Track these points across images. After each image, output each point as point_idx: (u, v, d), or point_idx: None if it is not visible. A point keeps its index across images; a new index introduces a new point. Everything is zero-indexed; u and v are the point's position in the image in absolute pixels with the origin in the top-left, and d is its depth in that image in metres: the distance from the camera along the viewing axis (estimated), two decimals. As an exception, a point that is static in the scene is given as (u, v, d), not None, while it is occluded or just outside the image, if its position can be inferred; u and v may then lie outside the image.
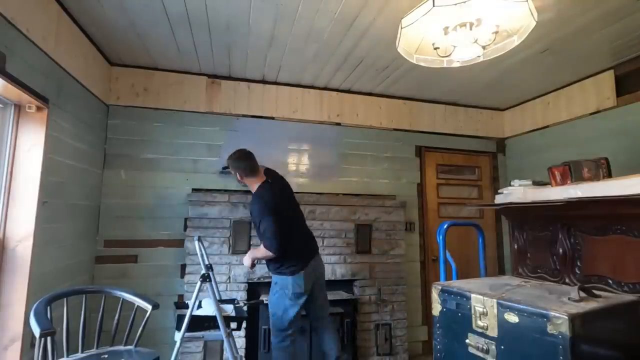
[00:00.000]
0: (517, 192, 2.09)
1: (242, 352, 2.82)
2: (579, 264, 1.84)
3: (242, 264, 2.55)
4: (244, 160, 2.44)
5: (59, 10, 2.17)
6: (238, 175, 2.46)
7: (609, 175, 1.90)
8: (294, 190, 3.32)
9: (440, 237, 2.46)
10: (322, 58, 2.89)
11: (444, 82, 3.37)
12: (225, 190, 3.15)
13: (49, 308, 1.75)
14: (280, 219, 2.29)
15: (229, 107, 3.27)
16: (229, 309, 2.24)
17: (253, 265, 2.45)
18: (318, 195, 3.35)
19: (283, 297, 2.33)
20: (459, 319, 1.61)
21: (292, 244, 2.34)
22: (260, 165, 2.51)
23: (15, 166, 2.00)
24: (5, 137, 1.98)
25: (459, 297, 1.62)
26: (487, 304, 1.48)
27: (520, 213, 2.17)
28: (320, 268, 2.52)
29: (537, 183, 2.12)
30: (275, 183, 2.51)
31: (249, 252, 2.45)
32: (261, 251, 2.31)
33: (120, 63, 3.02)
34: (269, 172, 2.56)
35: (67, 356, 1.84)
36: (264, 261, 2.50)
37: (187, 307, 2.11)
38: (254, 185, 2.45)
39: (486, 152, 4.08)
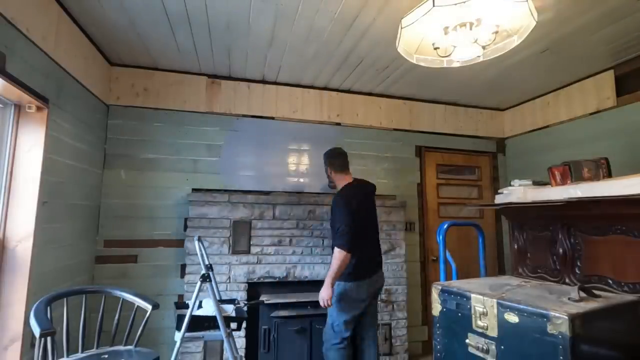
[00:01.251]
0: (517, 192, 2.09)
1: (242, 352, 2.82)
2: (579, 264, 1.84)
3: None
4: (337, 157, 2.60)
5: (59, 10, 2.17)
6: (328, 170, 2.61)
7: (609, 175, 1.90)
8: (293, 189, 3.35)
9: (440, 237, 2.46)
10: (322, 58, 2.89)
11: (444, 82, 3.37)
12: (225, 190, 3.15)
13: (49, 308, 1.75)
14: (357, 221, 2.33)
15: (229, 107, 3.27)
16: (229, 309, 2.24)
17: (332, 293, 2.31)
18: (318, 195, 3.35)
19: (342, 300, 2.36)
20: (459, 319, 1.61)
21: (361, 251, 2.36)
22: (349, 174, 2.63)
23: (15, 166, 2.00)
24: (5, 137, 1.98)
25: (459, 297, 1.62)
26: (487, 304, 1.48)
27: (520, 213, 2.17)
28: (380, 282, 2.52)
29: (537, 183, 2.12)
30: (361, 188, 2.58)
31: (325, 284, 2.34)
32: (336, 259, 2.27)
33: (120, 63, 3.02)
34: (358, 179, 2.65)
35: (67, 356, 1.84)
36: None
37: (187, 307, 2.11)
38: (341, 183, 2.56)
39: (486, 152, 4.08)
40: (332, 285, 2.32)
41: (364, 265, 2.38)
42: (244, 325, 2.37)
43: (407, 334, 3.28)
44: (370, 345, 2.52)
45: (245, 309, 2.34)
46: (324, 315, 2.87)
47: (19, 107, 2.02)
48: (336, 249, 2.29)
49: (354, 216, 2.32)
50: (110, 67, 3.00)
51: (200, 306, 2.23)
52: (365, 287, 2.37)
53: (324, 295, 2.31)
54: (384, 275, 2.58)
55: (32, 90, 1.94)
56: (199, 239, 2.27)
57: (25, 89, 1.87)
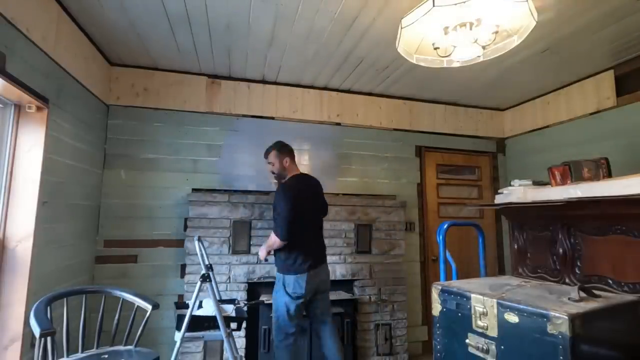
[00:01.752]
0: (517, 192, 2.09)
1: (242, 352, 2.82)
2: (579, 264, 1.84)
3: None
4: (290, 149, 2.62)
5: (59, 10, 2.17)
6: (284, 162, 2.55)
7: (609, 175, 1.90)
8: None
9: (440, 237, 2.46)
10: (322, 58, 2.89)
11: (444, 82, 3.37)
12: (225, 190, 3.15)
13: (49, 308, 1.75)
14: (298, 212, 2.34)
15: (229, 107, 3.27)
16: (229, 309, 2.24)
17: (268, 254, 2.47)
18: (318, 195, 3.34)
19: (284, 294, 2.37)
20: (459, 319, 1.61)
21: (302, 244, 2.40)
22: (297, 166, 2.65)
23: (15, 166, 2.00)
24: (5, 137, 1.98)
25: (459, 297, 1.62)
26: (487, 304, 1.48)
27: (520, 213, 2.17)
28: (324, 275, 2.53)
29: (537, 183, 2.12)
30: (309, 182, 2.61)
31: (263, 245, 2.51)
32: (270, 239, 2.40)
33: (120, 63, 3.02)
34: (304, 173, 2.68)
35: (67, 356, 1.84)
36: (271, 259, 2.57)
37: (187, 307, 2.11)
38: (291, 173, 2.57)
39: (486, 152, 4.08)
40: (268, 252, 2.46)
41: (306, 257, 2.39)
42: (244, 325, 2.37)
43: (407, 334, 3.28)
44: (325, 329, 2.53)
45: (245, 309, 2.34)
46: (324, 315, 2.87)
47: (19, 107, 2.02)
48: (272, 234, 2.39)
49: (295, 207, 2.34)
50: (110, 67, 3.00)
51: (200, 306, 2.23)
52: (304, 281, 2.36)
53: (261, 253, 2.48)
54: (328, 269, 2.57)
55: (32, 90, 1.93)
56: (199, 239, 2.27)
57: (25, 89, 1.87)
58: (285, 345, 2.36)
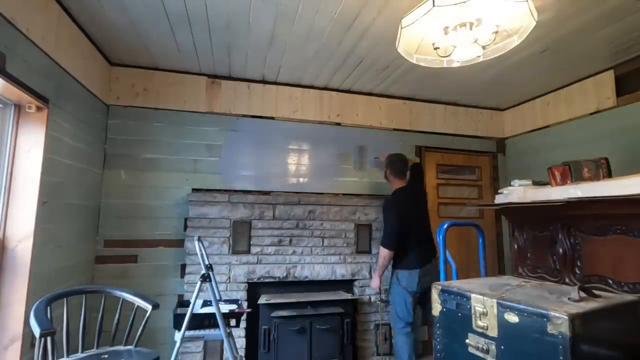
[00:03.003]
0: (517, 192, 2.09)
1: (242, 352, 2.82)
2: (579, 264, 1.84)
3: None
4: (397, 162, 2.92)
5: (59, 10, 2.17)
6: (387, 170, 2.95)
7: (609, 175, 1.90)
8: (293, 189, 3.35)
9: (440, 237, 2.46)
10: (322, 58, 2.89)
11: (444, 82, 3.37)
12: (225, 190, 3.15)
13: (49, 308, 1.75)
14: (403, 222, 2.69)
15: (229, 107, 3.27)
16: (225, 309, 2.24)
17: (380, 282, 2.80)
18: (318, 195, 3.35)
19: (399, 288, 2.71)
20: (459, 319, 1.61)
21: (410, 246, 2.72)
22: (405, 176, 2.92)
23: (15, 166, 2.00)
24: (5, 137, 1.98)
25: (459, 297, 1.62)
26: (487, 304, 1.48)
27: (520, 213, 2.17)
28: (435, 270, 2.70)
29: (537, 183, 2.11)
30: (411, 192, 2.88)
31: (374, 275, 2.83)
32: (380, 256, 2.73)
33: (120, 63, 3.02)
34: (414, 184, 2.97)
35: (67, 356, 1.84)
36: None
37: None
38: (394, 185, 2.90)
39: (486, 152, 4.08)
40: (380, 276, 2.78)
41: (414, 257, 2.70)
42: (243, 317, 2.38)
43: (417, 332, 3.27)
44: None
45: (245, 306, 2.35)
46: (324, 315, 2.89)
47: (19, 107, 2.02)
48: (381, 247, 2.73)
49: (400, 219, 2.69)
50: (110, 67, 3.00)
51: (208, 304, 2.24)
52: (416, 276, 2.66)
53: (373, 285, 2.83)
54: (436, 266, 2.72)
55: (32, 90, 1.93)
56: (199, 239, 2.27)
57: (25, 89, 1.87)
58: (406, 332, 2.68)
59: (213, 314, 2.05)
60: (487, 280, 1.88)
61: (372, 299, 3.22)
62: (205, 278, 2.01)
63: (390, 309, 2.90)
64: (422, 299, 2.78)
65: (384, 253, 2.69)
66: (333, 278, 3.15)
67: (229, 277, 2.91)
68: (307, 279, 3.10)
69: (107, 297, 2.12)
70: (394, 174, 2.91)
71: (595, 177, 1.89)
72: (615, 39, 2.54)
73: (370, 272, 3.25)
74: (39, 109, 2.05)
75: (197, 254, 2.26)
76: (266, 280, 2.99)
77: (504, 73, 3.12)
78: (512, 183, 2.19)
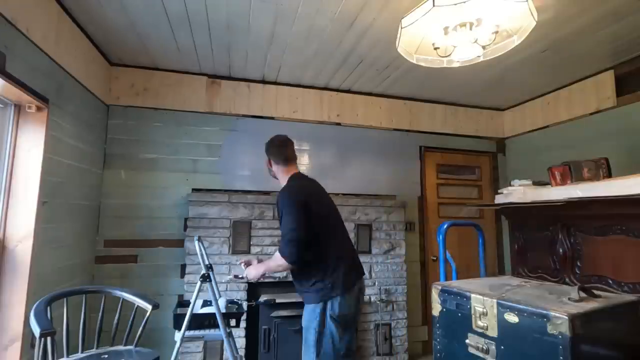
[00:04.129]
0: (517, 192, 2.10)
1: (242, 352, 2.82)
2: (579, 264, 1.84)
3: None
4: (277, 146, 2.09)
5: (59, 10, 2.17)
6: (268, 163, 2.13)
7: (609, 175, 1.90)
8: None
9: (440, 237, 2.46)
10: (322, 58, 2.89)
11: (444, 82, 3.37)
12: (225, 190, 3.15)
13: (49, 308, 1.75)
14: (310, 218, 1.81)
15: (229, 107, 3.27)
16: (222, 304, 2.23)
17: (262, 277, 1.97)
18: (318, 195, 3.34)
19: (326, 327, 1.79)
20: (459, 319, 1.61)
21: (330, 257, 1.84)
22: (296, 165, 2.14)
23: (15, 166, 2.00)
24: (5, 137, 1.98)
25: (459, 297, 1.62)
26: (487, 304, 1.48)
27: (520, 213, 2.17)
28: (362, 293, 1.98)
29: (537, 183, 2.12)
30: (311, 181, 2.11)
31: (259, 264, 1.99)
32: (274, 261, 1.85)
33: (120, 63, 3.02)
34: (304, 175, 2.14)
35: (67, 356, 1.84)
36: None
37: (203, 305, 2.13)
38: (284, 175, 2.05)
39: (486, 152, 4.08)
40: (263, 273, 1.94)
41: (342, 274, 1.83)
42: (243, 317, 2.36)
43: (407, 334, 3.28)
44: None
45: (245, 306, 2.35)
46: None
47: (19, 107, 2.02)
48: (278, 255, 1.80)
49: (305, 212, 1.80)
50: (110, 67, 2.99)
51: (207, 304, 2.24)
52: (353, 299, 1.86)
53: (251, 273, 1.97)
54: (363, 290, 2.01)
55: (32, 90, 1.93)
56: (199, 239, 2.27)
57: (25, 89, 1.87)
58: None
59: (213, 314, 2.05)
60: (487, 280, 1.88)
61: (372, 299, 3.21)
62: (206, 278, 2.01)
63: (303, 343, 1.86)
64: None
65: (281, 263, 1.80)
66: (333, 278, 3.15)
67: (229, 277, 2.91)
68: (307, 279, 3.10)
69: (107, 297, 2.12)
70: (279, 162, 2.08)
71: (595, 177, 1.89)
72: (615, 39, 2.54)
73: (370, 272, 3.24)
74: (39, 108, 2.05)
75: (197, 254, 2.26)
76: (266, 280, 2.99)
77: (504, 73, 3.12)
78: (512, 183, 2.20)
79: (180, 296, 2.92)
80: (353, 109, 3.61)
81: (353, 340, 1.93)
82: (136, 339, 2.01)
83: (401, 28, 1.89)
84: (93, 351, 1.95)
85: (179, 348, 1.98)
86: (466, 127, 3.99)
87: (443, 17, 1.79)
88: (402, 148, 3.74)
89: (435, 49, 1.96)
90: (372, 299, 3.21)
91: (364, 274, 2.01)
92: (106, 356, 1.90)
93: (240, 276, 2.06)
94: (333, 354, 1.80)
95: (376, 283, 3.24)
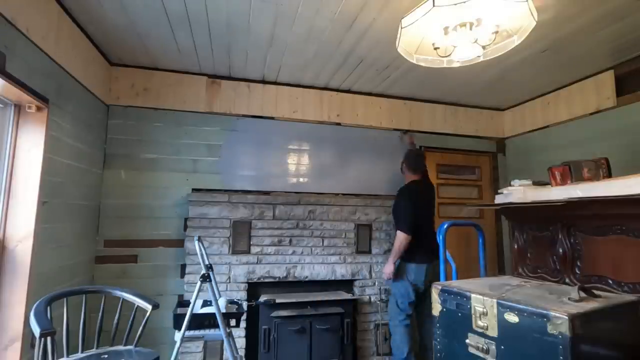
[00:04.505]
0: (517, 192, 2.09)
1: (242, 352, 2.82)
2: (579, 264, 1.84)
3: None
4: (412, 157, 3.08)
5: (59, 10, 2.17)
6: (403, 163, 3.11)
7: (609, 175, 1.90)
8: (293, 189, 3.36)
9: (440, 237, 2.46)
10: (322, 58, 2.89)
11: (444, 82, 3.37)
12: (225, 191, 3.15)
13: (49, 308, 1.75)
14: (416, 211, 2.79)
15: (229, 107, 3.27)
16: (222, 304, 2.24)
17: (393, 268, 2.81)
18: (318, 195, 3.35)
19: (404, 281, 2.80)
20: (459, 319, 1.61)
21: (419, 239, 2.79)
22: (421, 172, 3.06)
23: (15, 166, 2.00)
24: (5, 137, 1.98)
25: (459, 297, 1.62)
26: (487, 304, 1.48)
27: (520, 213, 2.17)
28: (437, 269, 2.75)
29: (537, 183, 2.12)
30: (424, 186, 3.04)
31: (388, 261, 2.85)
32: (397, 240, 2.77)
33: (120, 63, 3.02)
34: (425, 179, 3.11)
35: (67, 356, 1.84)
36: None
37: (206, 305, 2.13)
38: (407, 179, 3.06)
39: (486, 152, 4.08)
40: (394, 262, 2.80)
41: (422, 251, 2.79)
42: (243, 317, 2.43)
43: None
44: (426, 322, 2.85)
45: (245, 306, 2.35)
46: (324, 315, 2.89)
47: (19, 107, 2.02)
48: (398, 232, 2.79)
49: (414, 207, 2.81)
50: (110, 67, 3.00)
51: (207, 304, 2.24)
52: (424, 271, 2.77)
53: (387, 270, 2.83)
54: (436, 268, 2.77)
55: (32, 90, 1.93)
56: (199, 239, 2.27)
57: (25, 89, 1.87)
58: (404, 324, 2.78)
59: (213, 314, 2.05)
60: (487, 280, 1.88)
61: (372, 299, 3.22)
62: (206, 278, 2.01)
63: (389, 303, 2.96)
64: (421, 296, 2.83)
65: (402, 237, 2.74)
66: (333, 278, 3.15)
67: (229, 277, 2.91)
68: (307, 279, 3.10)
69: (107, 297, 2.12)
70: (408, 168, 3.05)
71: (595, 177, 1.89)
72: (615, 39, 2.54)
73: (370, 272, 3.25)
74: (39, 108, 2.05)
75: (197, 254, 2.26)
76: (266, 280, 2.99)
77: (504, 73, 3.12)
78: (512, 183, 2.20)
79: (180, 296, 2.92)
80: (353, 109, 3.61)
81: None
82: (136, 339, 2.01)
83: (401, 28, 1.89)
84: (93, 351, 1.96)
85: (179, 348, 1.98)
86: (466, 127, 3.99)
87: (443, 17, 1.79)
88: (402, 148, 3.73)
89: (435, 49, 1.96)
90: (372, 299, 3.21)
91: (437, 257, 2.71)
92: (106, 356, 1.90)
93: (386, 279, 2.89)
94: None
95: (376, 283, 3.25)
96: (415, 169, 3.03)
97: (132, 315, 2.06)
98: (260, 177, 3.29)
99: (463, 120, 3.98)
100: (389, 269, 2.81)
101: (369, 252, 3.28)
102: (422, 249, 2.80)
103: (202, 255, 2.11)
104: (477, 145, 4.04)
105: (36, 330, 1.56)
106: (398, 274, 2.83)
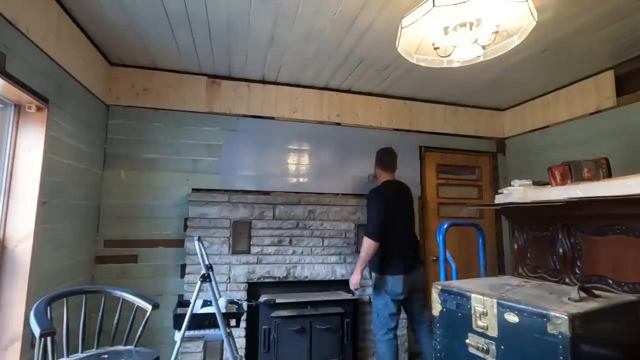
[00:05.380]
0: (517, 192, 2.09)
1: (242, 352, 2.82)
2: (579, 264, 1.84)
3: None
4: (382, 154, 2.85)
5: (59, 11, 2.17)
6: (375, 165, 2.88)
7: (609, 175, 1.90)
8: (293, 189, 3.36)
9: (440, 237, 2.46)
10: (322, 58, 2.89)
11: (444, 82, 3.37)
12: (225, 191, 3.15)
13: (49, 308, 1.75)
14: (388, 214, 2.55)
15: (229, 107, 3.27)
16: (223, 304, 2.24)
17: (361, 277, 2.64)
18: (318, 195, 3.35)
19: (382, 294, 2.62)
20: (459, 319, 1.61)
21: (394, 247, 2.59)
22: (393, 170, 2.84)
23: (15, 166, 2.00)
24: (5, 137, 1.98)
25: (459, 297, 1.62)
26: (487, 304, 1.48)
27: (520, 213, 2.17)
28: (419, 277, 2.72)
29: (537, 183, 2.12)
30: (398, 187, 2.81)
31: (355, 269, 2.66)
32: (364, 246, 2.55)
33: (120, 63, 3.02)
34: (398, 182, 2.85)
35: (67, 356, 1.84)
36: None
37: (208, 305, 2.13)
38: (381, 178, 2.83)
39: (486, 152, 4.08)
40: (361, 271, 2.62)
41: (397, 261, 2.57)
42: (243, 317, 2.44)
43: (407, 334, 3.27)
44: (422, 330, 2.75)
45: (245, 306, 2.35)
46: (324, 315, 2.89)
47: (19, 107, 2.02)
48: (364, 237, 2.57)
49: (385, 209, 2.55)
50: (110, 67, 3.00)
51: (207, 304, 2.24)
52: (401, 282, 2.55)
53: (354, 279, 2.64)
54: (423, 270, 2.77)
55: (32, 90, 1.93)
56: (199, 239, 2.27)
57: (25, 89, 1.87)
58: (387, 339, 2.60)
59: (213, 314, 2.05)
60: (487, 280, 1.88)
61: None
62: (205, 278, 2.01)
63: (372, 315, 2.81)
64: (405, 304, 2.73)
65: (367, 244, 2.53)
66: (333, 278, 3.15)
67: (229, 277, 2.91)
68: (307, 279, 3.10)
69: (107, 297, 2.12)
70: (379, 166, 2.86)
71: (595, 177, 1.89)
72: (615, 39, 2.54)
73: (370, 272, 3.24)
74: (39, 108, 2.05)
75: (197, 254, 2.26)
76: (266, 280, 2.99)
77: (504, 73, 3.12)
78: (512, 183, 2.19)
79: (180, 296, 2.92)
80: (353, 109, 3.61)
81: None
82: (136, 339, 2.01)
83: (401, 28, 1.89)
84: (93, 351, 1.96)
85: (179, 348, 1.98)
86: (466, 127, 3.99)
87: (443, 17, 1.79)
88: (402, 148, 3.73)
89: (435, 49, 1.96)
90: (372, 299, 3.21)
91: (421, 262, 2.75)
92: (106, 356, 1.90)
93: (353, 290, 2.73)
94: None
95: (376, 283, 3.24)
96: (387, 167, 2.81)
97: (132, 315, 2.06)
98: (260, 177, 3.29)
99: (463, 120, 3.98)
100: (355, 278, 2.63)
101: (369, 252, 3.27)
102: (396, 259, 2.58)
103: (202, 255, 2.11)
104: (477, 145, 4.04)
105: (36, 330, 1.56)
106: (376, 286, 2.68)
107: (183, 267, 2.93)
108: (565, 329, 1.20)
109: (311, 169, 3.44)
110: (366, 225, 2.65)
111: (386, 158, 2.84)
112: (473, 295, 1.55)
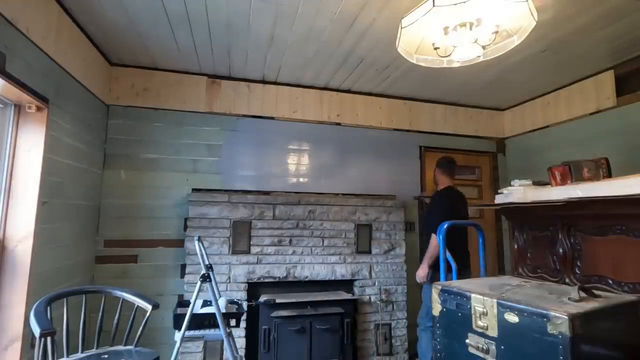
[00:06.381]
0: (517, 192, 2.09)
1: (242, 352, 2.82)
2: (579, 264, 1.84)
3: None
4: (445, 162, 3.09)
5: (59, 11, 2.17)
6: (437, 170, 3.10)
7: (609, 175, 1.90)
8: (293, 189, 3.36)
9: (440, 237, 2.45)
10: (322, 58, 2.89)
11: (444, 82, 3.37)
12: (225, 191, 3.15)
13: (49, 308, 1.75)
14: (451, 215, 2.68)
15: (229, 107, 3.27)
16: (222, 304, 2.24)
17: (427, 271, 2.79)
18: (318, 195, 3.35)
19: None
20: (459, 319, 1.61)
21: (452, 247, 2.63)
22: (452, 180, 3.06)
23: (15, 166, 2.00)
24: (5, 137, 1.98)
25: (459, 297, 1.62)
26: (487, 304, 1.48)
27: (520, 213, 2.17)
28: (467, 277, 2.78)
29: (537, 183, 2.11)
30: (458, 192, 3.03)
31: (422, 264, 2.83)
32: (431, 242, 2.78)
33: (120, 63, 3.02)
34: (456, 188, 3.07)
35: (67, 356, 1.84)
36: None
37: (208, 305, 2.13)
38: (442, 185, 3.05)
39: (486, 152, 4.08)
40: (428, 265, 2.78)
41: (456, 258, 2.66)
42: (243, 317, 2.43)
43: (407, 334, 3.28)
44: None
45: (245, 306, 2.35)
46: (324, 315, 2.89)
47: (19, 107, 2.02)
48: (433, 235, 2.76)
49: (449, 212, 2.74)
50: (110, 67, 3.00)
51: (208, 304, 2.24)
52: (455, 277, 2.63)
53: (419, 273, 2.82)
54: (470, 272, 2.86)
55: (32, 90, 1.93)
56: (199, 239, 2.27)
57: (25, 89, 1.87)
58: (431, 327, 2.65)
59: (213, 314, 2.05)
60: (487, 280, 1.88)
61: (372, 299, 3.22)
62: (205, 278, 2.01)
63: (421, 308, 2.96)
64: None
65: (436, 241, 2.69)
66: (333, 278, 3.15)
67: (229, 277, 2.91)
68: (307, 279, 3.10)
69: (107, 297, 2.12)
70: (442, 173, 3.07)
71: (595, 177, 1.89)
72: (615, 39, 2.54)
73: (370, 272, 3.25)
74: (39, 108, 2.05)
75: (197, 254, 2.26)
76: (266, 280, 2.99)
77: (504, 73, 3.12)
78: (512, 183, 2.19)
79: (180, 296, 2.92)
80: (353, 109, 3.61)
81: None
82: (136, 339, 2.01)
83: (401, 28, 1.89)
84: (93, 351, 1.95)
85: (179, 348, 1.98)
86: (466, 127, 3.99)
87: (443, 17, 1.79)
88: (402, 148, 3.74)
89: (435, 49, 1.96)
90: (372, 299, 3.21)
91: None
92: (106, 356, 1.90)
93: (420, 282, 2.87)
94: None
95: (376, 283, 3.25)
96: (450, 174, 3.05)
97: (132, 316, 2.06)
98: (260, 177, 3.30)
99: (463, 120, 3.98)
100: (422, 272, 2.81)
101: (369, 252, 3.28)
102: (453, 257, 2.70)
103: (202, 255, 2.11)
104: (477, 145, 4.04)
105: (36, 330, 1.55)
106: (431, 279, 2.79)
107: (183, 267, 2.93)
108: (565, 329, 1.20)
109: (311, 169, 3.44)
110: (433, 225, 2.77)
111: (449, 166, 3.08)
112: (473, 295, 1.55)
